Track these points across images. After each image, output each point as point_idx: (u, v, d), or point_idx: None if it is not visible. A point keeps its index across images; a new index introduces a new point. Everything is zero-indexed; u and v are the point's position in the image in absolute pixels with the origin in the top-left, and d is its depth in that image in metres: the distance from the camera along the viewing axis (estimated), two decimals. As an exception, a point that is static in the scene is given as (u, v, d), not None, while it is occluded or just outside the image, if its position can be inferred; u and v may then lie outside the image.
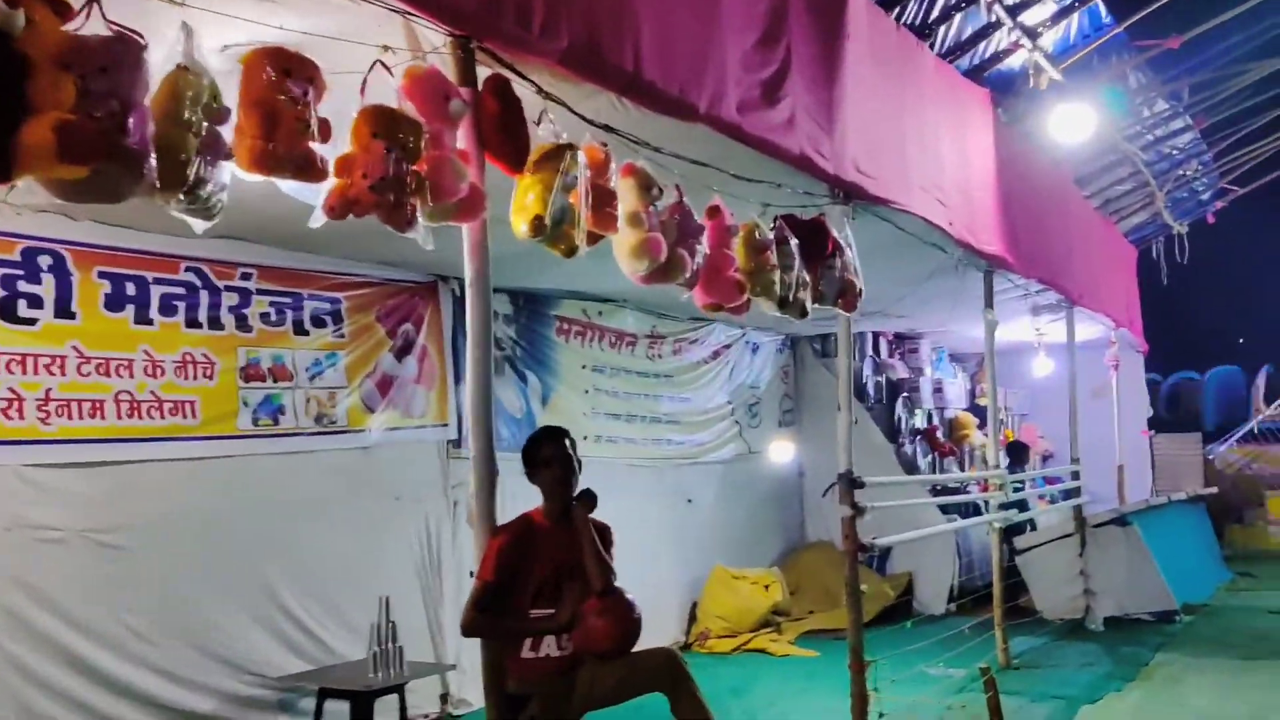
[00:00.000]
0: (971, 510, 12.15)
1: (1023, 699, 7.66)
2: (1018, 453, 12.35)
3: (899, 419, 12.55)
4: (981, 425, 14.40)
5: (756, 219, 5.29)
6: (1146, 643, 9.68)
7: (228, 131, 3.19)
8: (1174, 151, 12.46)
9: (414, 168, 3.47)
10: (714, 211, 5.01)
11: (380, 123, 3.43)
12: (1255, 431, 17.15)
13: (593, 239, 4.19)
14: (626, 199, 4.44)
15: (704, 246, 4.83)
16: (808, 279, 5.61)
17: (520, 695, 4.39)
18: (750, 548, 11.26)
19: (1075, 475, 11.24)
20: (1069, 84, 9.17)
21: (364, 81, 3.54)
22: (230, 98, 3.19)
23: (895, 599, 11.49)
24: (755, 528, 11.49)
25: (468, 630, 4.35)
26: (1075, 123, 9.09)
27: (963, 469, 13.71)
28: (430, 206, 3.54)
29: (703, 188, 5.14)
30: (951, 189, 7.66)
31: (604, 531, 4.57)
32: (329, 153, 3.37)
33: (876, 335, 13.41)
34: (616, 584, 4.38)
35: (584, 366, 9.05)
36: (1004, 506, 11.79)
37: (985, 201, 8.47)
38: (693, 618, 10.03)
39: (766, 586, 10.11)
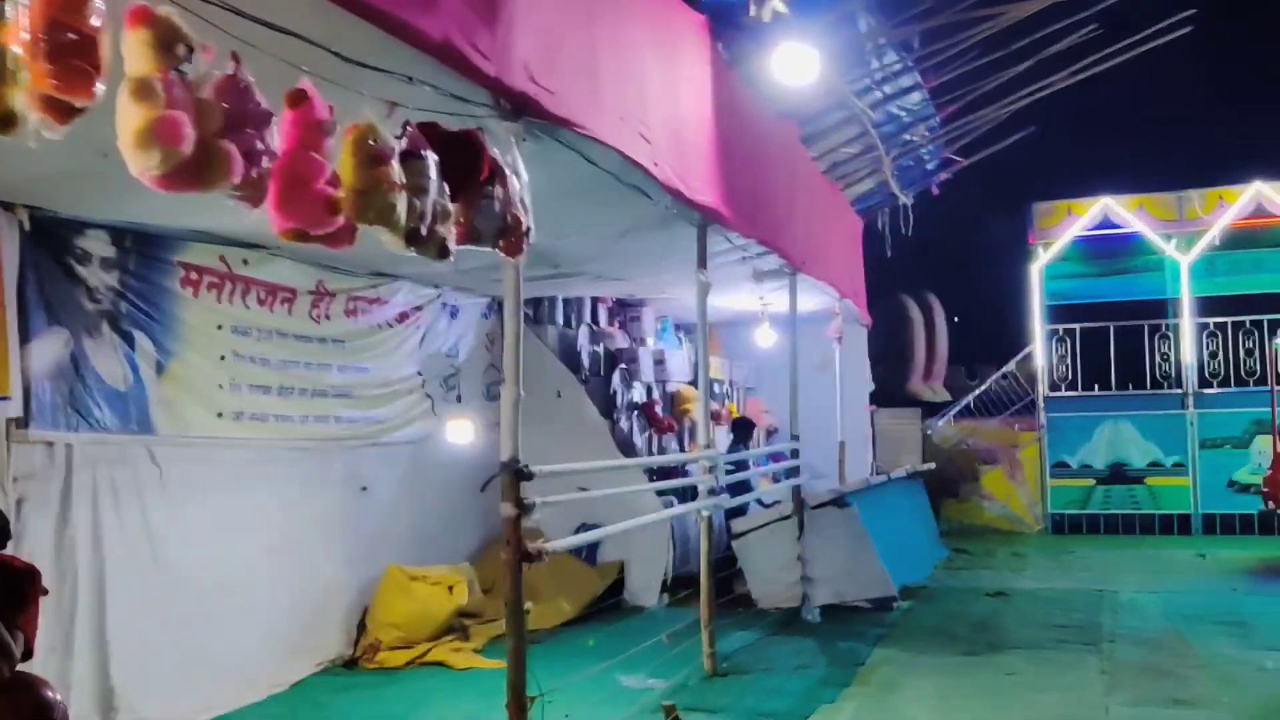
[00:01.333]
0: (691, 493, 11.23)
1: (724, 715, 6.66)
2: (743, 429, 11.52)
3: (615, 393, 11.45)
4: (704, 400, 13.56)
5: (375, 120, 3.86)
6: (865, 635, 8.98)
7: None
8: (903, 114, 11.91)
9: None
10: (298, 98, 3.55)
11: None
12: (972, 407, 17.24)
13: (62, 111, 2.66)
14: (135, 59, 2.94)
15: (275, 145, 3.38)
16: (451, 209, 4.25)
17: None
18: (440, 541, 9.85)
19: (795, 453, 10.47)
20: (795, 19, 8.21)
21: None
22: None
23: (604, 591, 10.40)
24: (447, 518, 10.08)
25: None
26: (799, 64, 8.14)
27: (684, 447, 12.80)
28: None
29: (302, 75, 3.68)
30: (657, 125, 6.49)
31: (19, 581, 3.05)
32: None
33: (596, 302, 12.27)
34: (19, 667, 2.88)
35: (220, 327, 7.35)
36: (727, 488, 10.97)
37: (699, 146, 7.38)
38: (362, 628, 8.53)
39: (451, 588, 8.74)
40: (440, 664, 8.18)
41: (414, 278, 9.57)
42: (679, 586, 10.89)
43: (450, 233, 4.26)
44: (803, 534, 10.27)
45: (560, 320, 11.59)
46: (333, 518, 8.52)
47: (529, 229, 4.78)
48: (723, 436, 14.08)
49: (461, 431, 9.54)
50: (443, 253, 4.21)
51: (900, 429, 16.52)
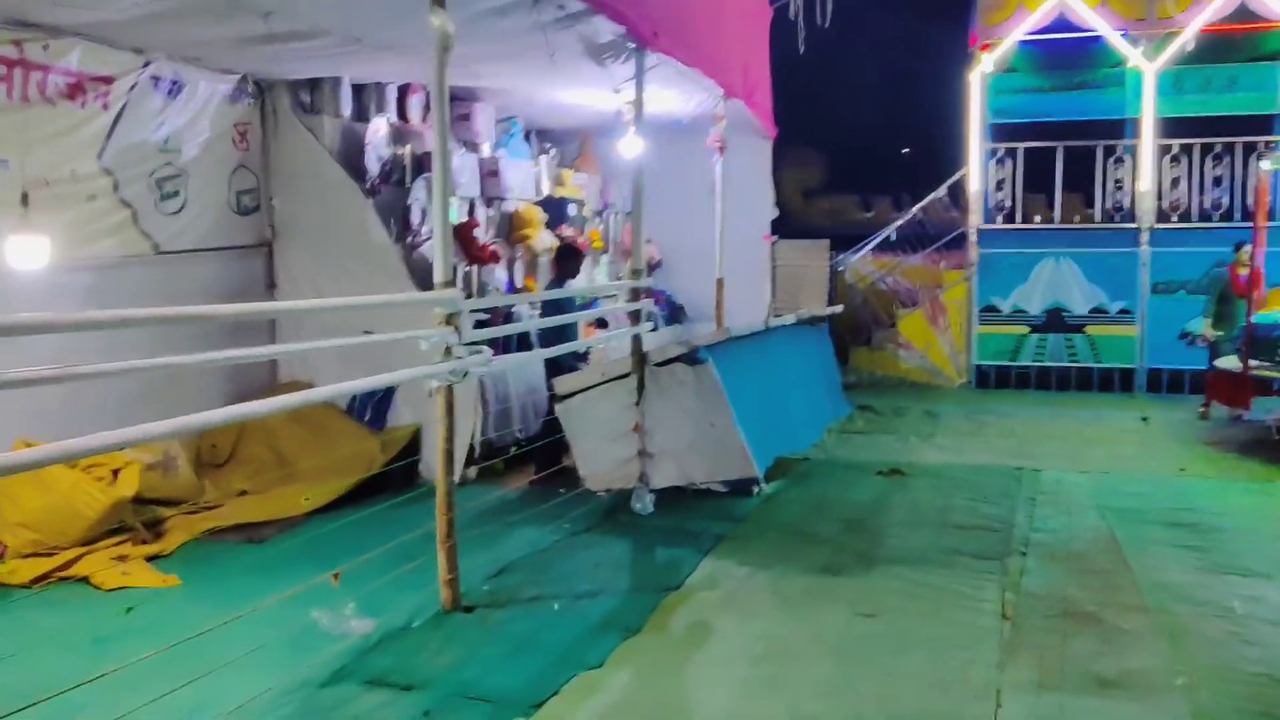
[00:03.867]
0: (522, 341, 8.78)
1: (415, 698, 4.33)
2: (566, 261, 8.99)
3: (411, 207, 8.80)
4: (555, 224, 10.98)
5: None
6: (700, 537, 6.72)
7: None
8: None
9: None
10: None
11: None
12: (892, 239, 14.75)
13: None
14: None
15: None
16: None
17: None
18: (158, 403, 7.31)
19: (636, 294, 7.98)
20: None
21: None
22: None
23: (387, 464, 8.02)
24: (162, 375, 7.51)
25: None
26: None
27: (516, 283, 10.28)
28: None
29: None
30: None
31: None
32: None
33: (406, 92, 9.47)
34: None
35: None
36: (545, 338, 8.52)
37: None
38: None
39: (117, 471, 6.27)
40: (86, 580, 5.78)
41: (96, 36, 6.78)
42: (495, 455, 8.56)
43: None
44: (642, 397, 7.89)
45: (349, 111, 8.83)
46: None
47: None
48: (601, 273, 11.58)
49: (28, 252, 6.25)
50: None
51: (805, 265, 14.05)
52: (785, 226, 13.44)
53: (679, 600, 5.52)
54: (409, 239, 8.69)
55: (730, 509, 7.49)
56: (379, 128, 8.85)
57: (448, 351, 5.17)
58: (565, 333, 8.32)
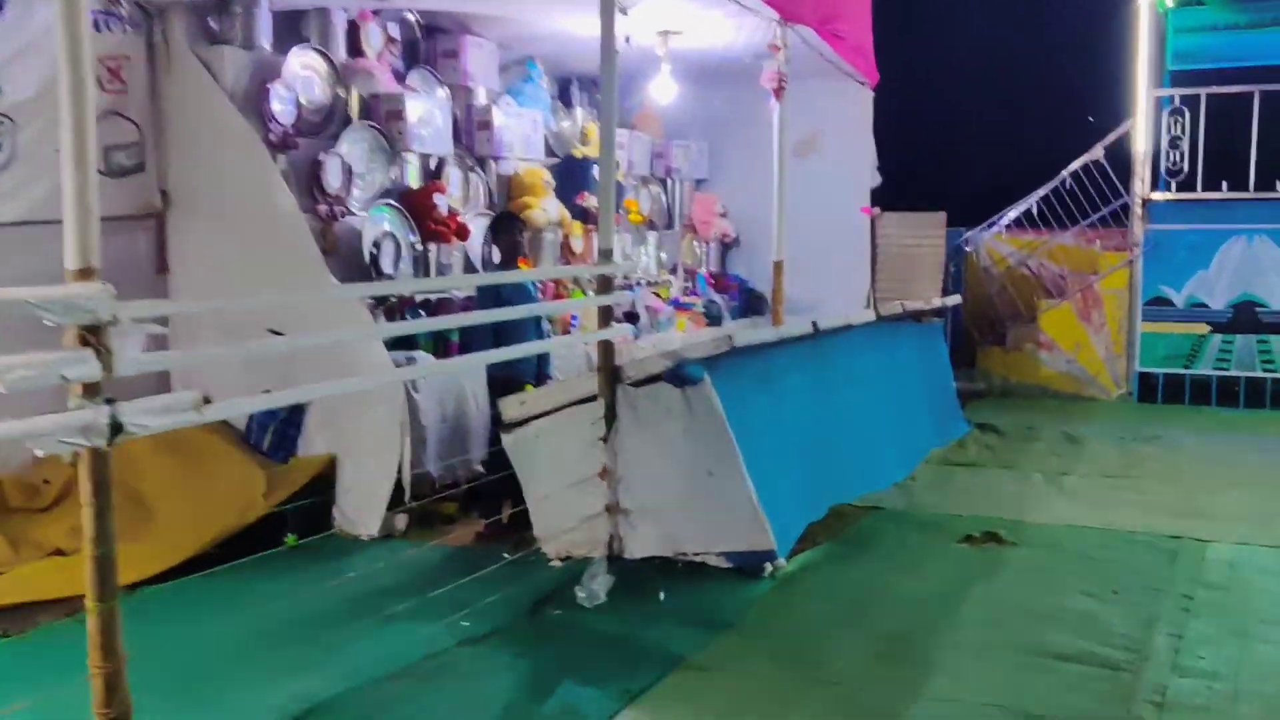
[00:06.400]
0: (471, 341, 6.59)
1: None
2: (502, 233, 6.70)
3: (326, 165, 6.65)
4: (574, 192, 8.73)
5: None
6: (636, 666, 4.37)
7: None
8: None
9: None
10: None
11: None
12: (1034, 213, 11.84)
13: None
14: None
15: None
16: None
17: None
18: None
19: (606, 284, 5.65)
20: None
21: None
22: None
23: (283, 504, 5.96)
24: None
25: None
26: None
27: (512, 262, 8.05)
28: None
29: None
30: None
31: None
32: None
33: (356, 25, 7.35)
34: None
35: None
36: (479, 338, 6.33)
37: None
38: None
39: None
40: None
41: None
42: (426, 496, 6.38)
43: None
44: (612, 431, 5.59)
45: (267, 41, 6.77)
46: None
47: None
48: (628, 248, 9.29)
49: None
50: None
51: (916, 243, 11.32)
52: (893, 194, 10.76)
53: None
54: (328, 208, 6.56)
55: (720, 602, 5.12)
56: (304, 63, 6.76)
57: (88, 391, 2.97)
58: (512, 332, 6.05)
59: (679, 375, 5.49)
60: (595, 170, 8.95)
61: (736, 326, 9.87)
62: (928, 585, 5.43)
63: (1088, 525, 6.52)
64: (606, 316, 5.62)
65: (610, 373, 5.58)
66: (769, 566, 5.46)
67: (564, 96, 9.58)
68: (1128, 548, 6.07)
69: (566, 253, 8.39)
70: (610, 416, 5.58)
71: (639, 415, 5.58)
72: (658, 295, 9.30)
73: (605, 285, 5.60)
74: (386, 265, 6.65)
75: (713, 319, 9.82)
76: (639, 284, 9.10)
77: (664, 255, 10.23)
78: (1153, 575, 5.56)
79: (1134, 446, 8.96)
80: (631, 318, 8.44)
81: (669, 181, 10.71)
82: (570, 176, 8.65)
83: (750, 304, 10.57)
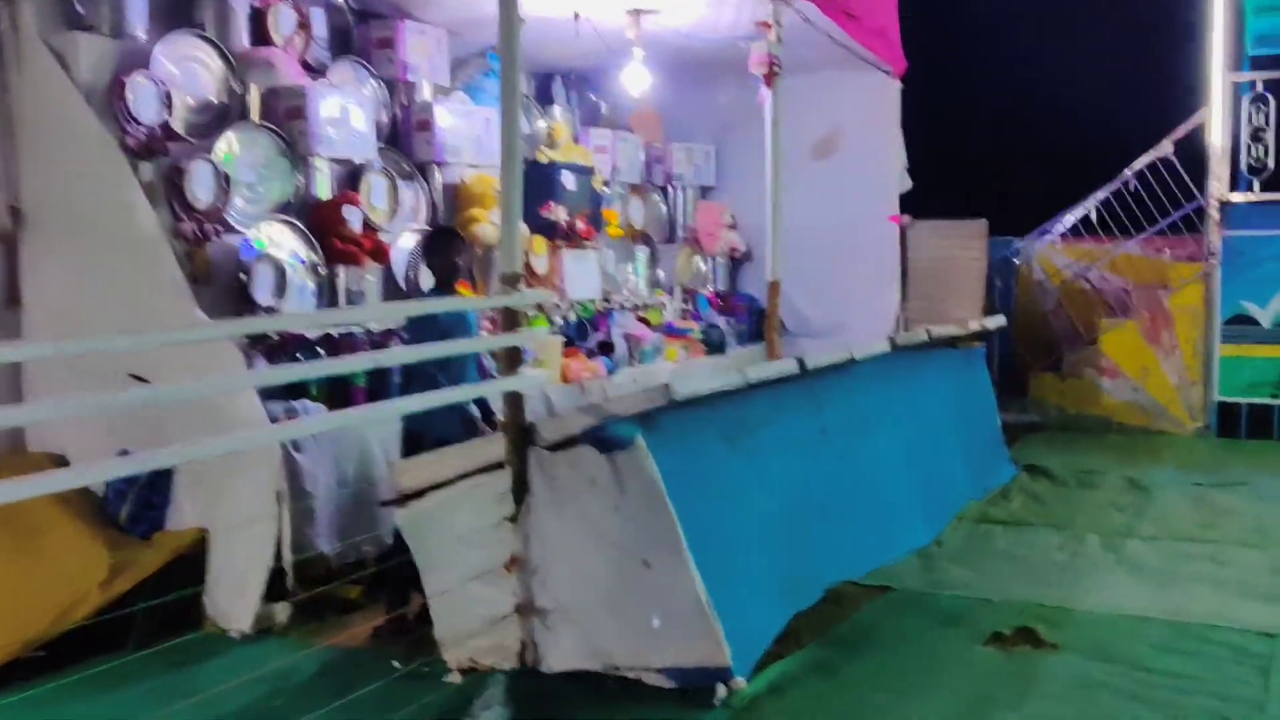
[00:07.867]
0: (382, 388, 5.37)
1: None
2: (435, 254, 5.42)
3: (191, 174, 5.47)
4: (539, 202, 7.52)
5: None
6: None
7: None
8: None
9: None
10: None
11: None
12: (1093, 219, 10.34)
13: None
14: None
15: None
16: None
17: None
18: None
19: (512, 319, 4.39)
20: None
21: None
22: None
23: (142, 587, 4.80)
24: None
25: None
26: None
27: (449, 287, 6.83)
28: None
29: None
30: None
31: None
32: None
33: (261, 10, 6.19)
34: None
35: None
36: (405, 383, 5.10)
37: None
38: None
39: None
40: None
41: None
42: (317, 581, 5.16)
43: None
44: (523, 508, 4.33)
45: (141, 28, 5.63)
46: None
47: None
48: (586, 268, 8.02)
49: None
50: None
51: (952, 255, 9.89)
52: (926, 200, 9.40)
53: None
54: (195, 226, 5.38)
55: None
56: (183, 53, 5.62)
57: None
58: (438, 375, 4.81)
59: (604, 437, 4.22)
60: (564, 177, 7.76)
61: (741, 354, 8.60)
62: (937, 712, 4.09)
63: (1151, 615, 5.13)
64: (514, 361, 4.37)
65: (518, 433, 4.33)
66: (722, 688, 4.15)
67: (543, 95, 8.39)
68: (1202, 651, 4.67)
69: (528, 274, 7.16)
70: (520, 490, 4.33)
71: (557, 488, 4.32)
72: (644, 321, 8.04)
73: (510, 321, 4.35)
74: (262, 294, 5.46)
75: (713, 345, 8.55)
76: (619, 308, 7.84)
77: (661, 273, 8.97)
78: (1234, 694, 4.18)
79: (1212, 495, 7.51)
80: (606, 348, 7.20)
81: (669, 189, 9.45)
82: (532, 184, 7.42)
83: (760, 327, 9.26)
